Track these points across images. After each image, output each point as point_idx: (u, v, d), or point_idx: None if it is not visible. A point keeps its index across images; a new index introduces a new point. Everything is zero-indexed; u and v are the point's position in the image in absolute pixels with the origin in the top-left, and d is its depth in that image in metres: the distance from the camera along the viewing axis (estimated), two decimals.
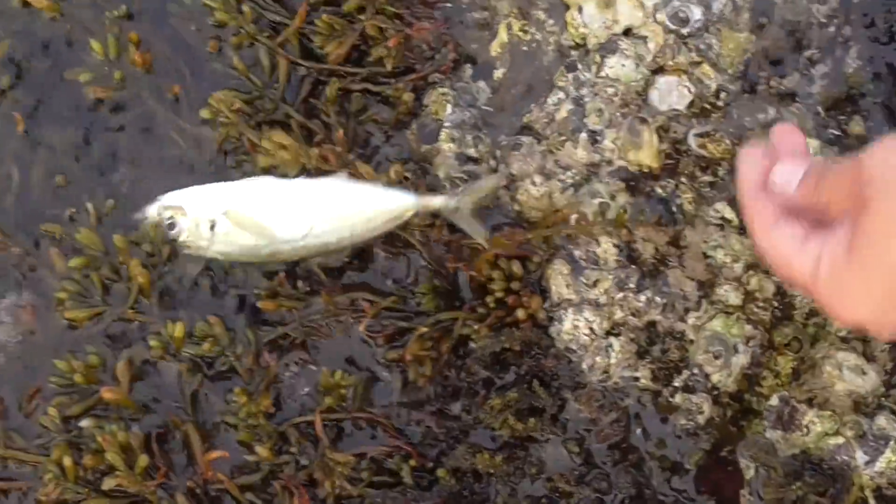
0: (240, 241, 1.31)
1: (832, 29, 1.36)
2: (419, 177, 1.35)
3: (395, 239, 1.34)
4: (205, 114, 1.35)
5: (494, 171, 1.36)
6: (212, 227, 1.30)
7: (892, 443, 1.29)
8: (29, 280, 1.38)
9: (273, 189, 1.32)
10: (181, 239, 1.31)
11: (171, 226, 1.30)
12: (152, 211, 1.32)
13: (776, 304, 1.32)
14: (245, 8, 1.36)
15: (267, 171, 1.33)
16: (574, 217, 1.33)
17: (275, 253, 1.31)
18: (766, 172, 1.07)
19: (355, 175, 1.32)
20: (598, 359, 1.32)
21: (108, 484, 1.27)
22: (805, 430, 1.30)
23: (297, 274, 1.35)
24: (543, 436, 1.32)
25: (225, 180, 1.34)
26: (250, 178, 1.33)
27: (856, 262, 0.90)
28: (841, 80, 1.35)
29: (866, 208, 0.89)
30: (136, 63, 1.37)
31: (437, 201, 1.30)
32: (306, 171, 1.33)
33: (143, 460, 1.28)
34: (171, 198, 1.32)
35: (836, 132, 1.34)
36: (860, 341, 1.31)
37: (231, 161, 1.37)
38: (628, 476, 1.32)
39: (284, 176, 1.32)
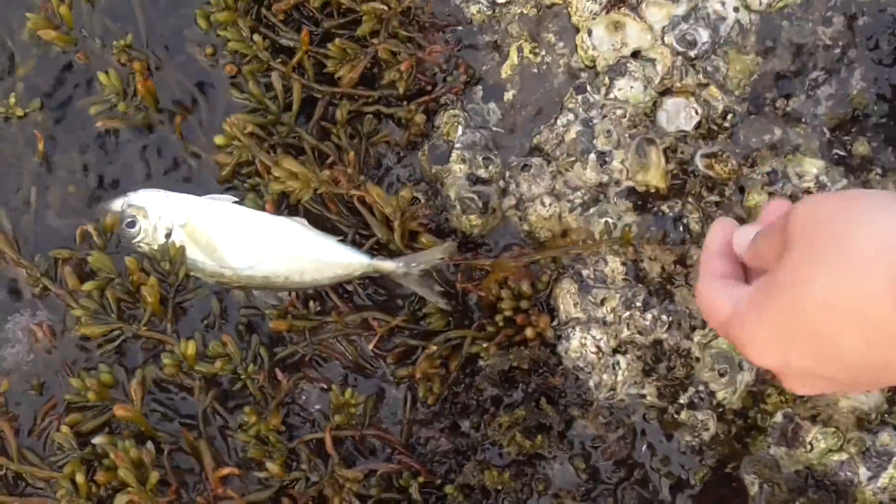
0: (188, 253, 1.33)
1: (837, 51, 1.37)
2: (430, 197, 1.36)
3: None
4: (219, 140, 1.36)
5: (504, 190, 1.37)
6: (167, 235, 1.33)
7: (894, 459, 1.30)
8: (44, 299, 1.38)
9: (236, 214, 1.34)
10: (136, 239, 1.34)
11: (131, 224, 1.33)
12: (117, 205, 1.34)
13: None
14: (256, 38, 1.36)
15: (279, 195, 1.34)
16: (581, 239, 1.34)
17: (216, 274, 1.34)
18: (730, 237, 1.09)
19: (364, 198, 1.33)
20: (604, 376, 1.33)
21: (120, 500, 1.27)
22: (809, 446, 1.31)
23: (309, 294, 1.36)
24: (551, 452, 1.33)
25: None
26: (216, 196, 1.36)
27: (757, 302, 0.92)
28: (846, 101, 1.36)
29: (781, 257, 0.91)
30: (140, 91, 1.38)
31: (387, 265, 1.33)
32: (318, 195, 1.34)
33: (154, 476, 1.28)
34: (138, 197, 1.34)
35: (842, 152, 1.35)
36: None
37: (245, 184, 1.37)
38: (634, 492, 1.33)
39: (298, 200, 1.34)
